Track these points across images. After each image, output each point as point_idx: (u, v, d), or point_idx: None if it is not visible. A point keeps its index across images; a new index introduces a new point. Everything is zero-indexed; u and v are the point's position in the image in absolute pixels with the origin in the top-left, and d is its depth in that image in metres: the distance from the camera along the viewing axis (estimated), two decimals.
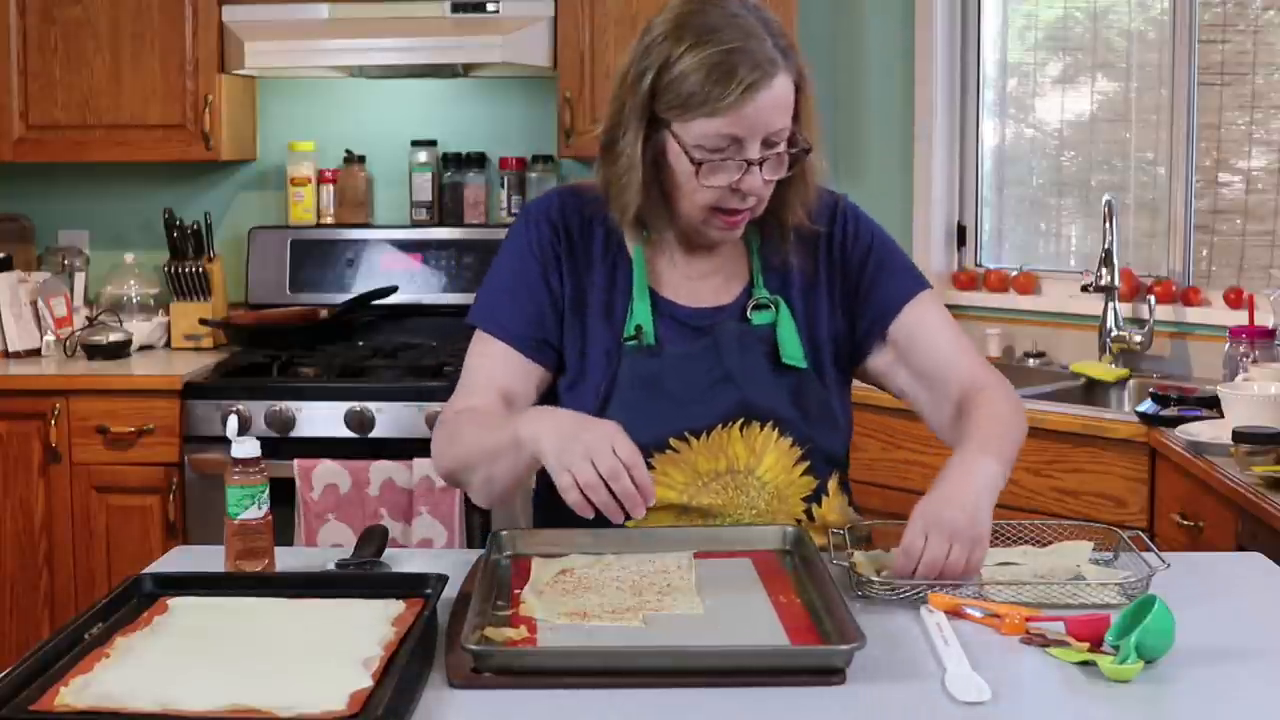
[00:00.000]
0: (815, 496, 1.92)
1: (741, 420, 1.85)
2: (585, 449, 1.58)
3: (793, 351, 1.87)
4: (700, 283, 1.91)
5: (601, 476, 1.57)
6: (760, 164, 1.75)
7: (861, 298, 1.92)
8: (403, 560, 1.90)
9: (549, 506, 1.86)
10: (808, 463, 1.89)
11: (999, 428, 1.80)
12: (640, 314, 1.86)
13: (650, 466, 1.81)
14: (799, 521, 1.90)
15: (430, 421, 3.43)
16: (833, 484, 1.94)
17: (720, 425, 1.85)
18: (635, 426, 1.78)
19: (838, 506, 1.96)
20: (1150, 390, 3.13)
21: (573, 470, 1.58)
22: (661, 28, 1.77)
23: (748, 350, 1.87)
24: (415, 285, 4.02)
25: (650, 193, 1.81)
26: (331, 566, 1.81)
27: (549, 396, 1.91)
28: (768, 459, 1.87)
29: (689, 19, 1.75)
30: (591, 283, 1.89)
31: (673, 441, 1.84)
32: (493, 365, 1.87)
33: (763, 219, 1.87)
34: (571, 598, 1.63)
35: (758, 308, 1.88)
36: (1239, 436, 2.51)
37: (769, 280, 1.90)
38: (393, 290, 3.97)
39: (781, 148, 1.77)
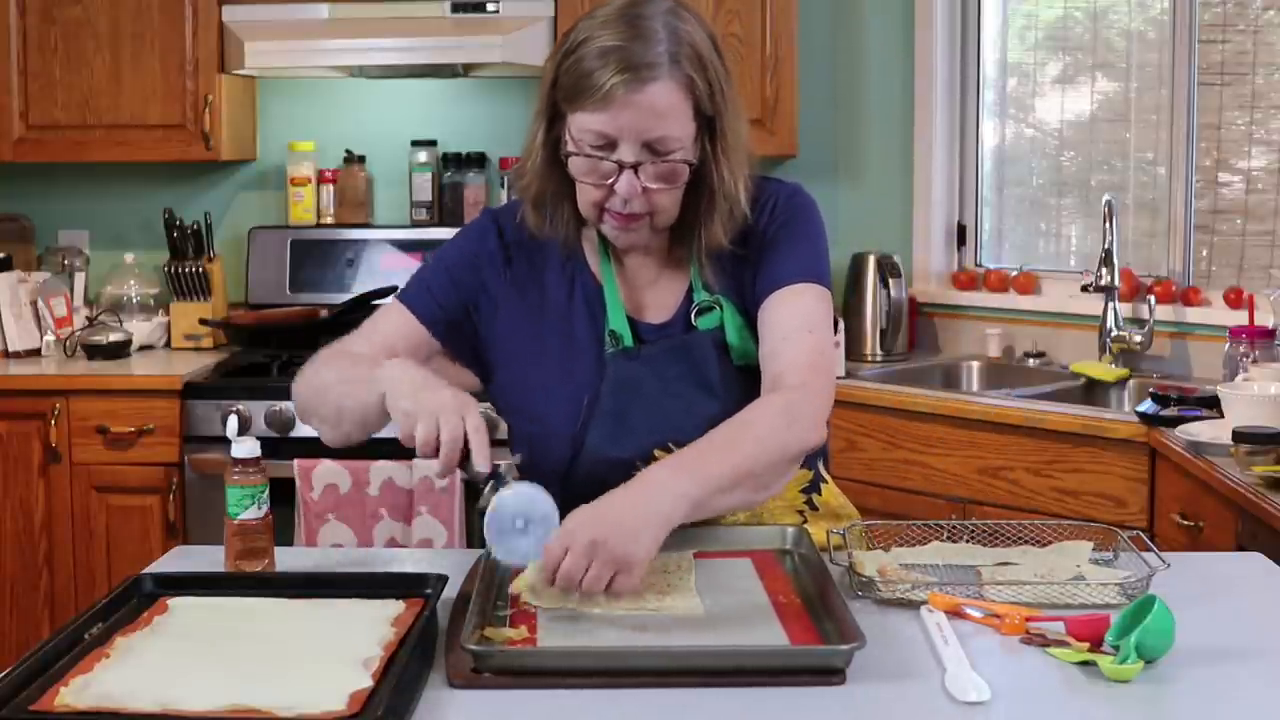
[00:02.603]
0: (814, 485, 1.92)
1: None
2: (437, 404, 1.59)
3: (742, 351, 1.83)
4: (641, 294, 1.87)
5: (446, 433, 1.58)
6: (634, 168, 1.71)
7: (755, 276, 1.84)
8: (403, 560, 1.89)
9: None
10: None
11: (731, 441, 1.66)
12: (614, 319, 1.83)
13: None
14: (801, 513, 1.90)
15: None
16: (823, 469, 1.94)
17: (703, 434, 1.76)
18: (616, 437, 1.79)
19: (837, 491, 1.96)
20: (1150, 390, 3.13)
21: (417, 417, 1.60)
22: (581, 21, 1.76)
23: (711, 358, 1.81)
24: None
25: (551, 181, 1.81)
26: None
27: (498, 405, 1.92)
28: None
29: (600, 12, 1.74)
30: (554, 291, 1.87)
31: (656, 453, 1.78)
32: (392, 326, 1.90)
33: (687, 232, 1.81)
34: (571, 598, 1.62)
35: (700, 313, 1.84)
36: (1239, 436, 2.51)
37: (711, 276, 1.84)
38: (393, 290, 3.95)
39: (674, 157, 1.72)
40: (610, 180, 1.73)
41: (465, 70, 4.02)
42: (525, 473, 1.66)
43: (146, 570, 1.69)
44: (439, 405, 1.60)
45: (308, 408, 1.87)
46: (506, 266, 1.89)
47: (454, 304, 1.88)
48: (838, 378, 3.21)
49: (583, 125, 1.71)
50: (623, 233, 1.79)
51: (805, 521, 1.90)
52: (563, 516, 1.57)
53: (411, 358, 1.81)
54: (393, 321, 1.90)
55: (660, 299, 1.87)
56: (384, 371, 1.70)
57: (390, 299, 1.94)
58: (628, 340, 1.83)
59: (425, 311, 1.89)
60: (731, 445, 1.64)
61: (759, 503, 1.77)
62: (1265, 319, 3.18)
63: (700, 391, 1.81)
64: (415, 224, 4.12)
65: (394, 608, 1.55)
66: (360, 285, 4.01)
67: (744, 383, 1.81)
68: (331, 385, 1.80)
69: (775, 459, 1.67)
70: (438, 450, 1.59)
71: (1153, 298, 3.53)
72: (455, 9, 3.77)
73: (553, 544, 1.53)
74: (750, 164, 1.81)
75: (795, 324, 1.77)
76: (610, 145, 1.71)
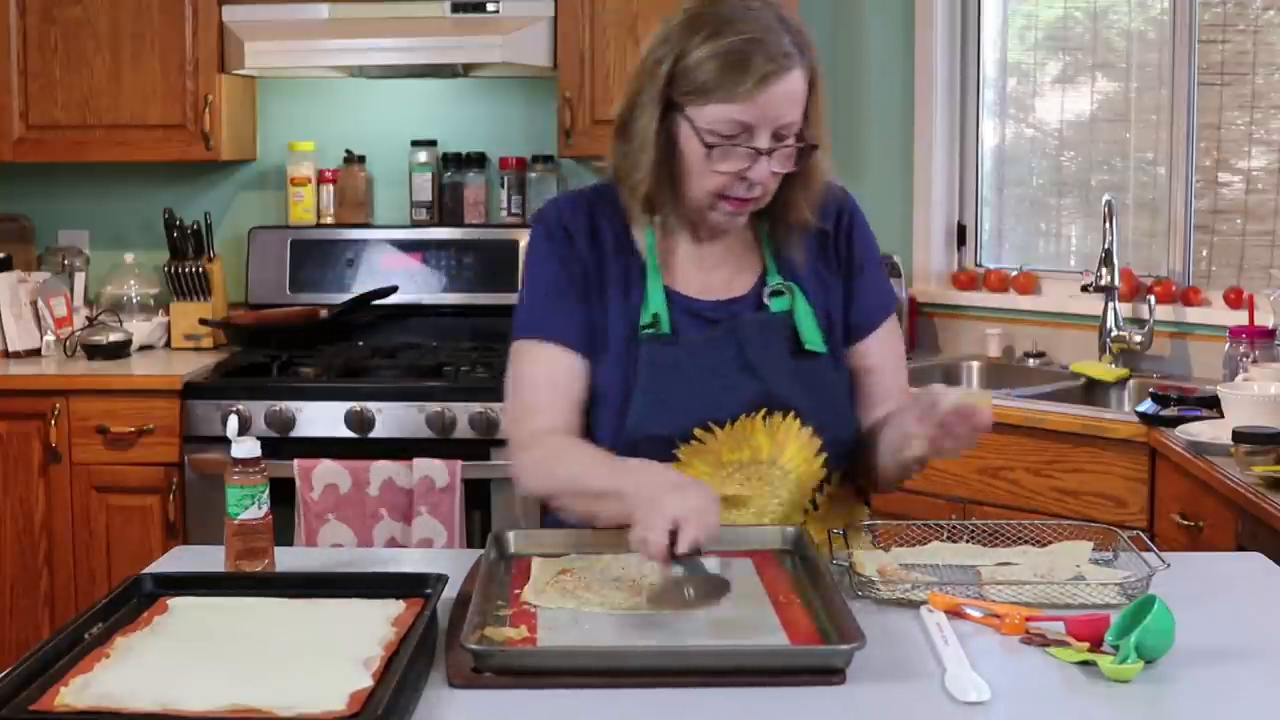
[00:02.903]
0: (819, 487, 1.93)
1: (764, 410, 1.87)
2: (670, 519, 1.60)
3: (812, 337, 1.91)
4: (711, 274, 1.94)
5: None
6: (768, 154, 1.79)
7: (847, 299, 1.97)
8: (403, 560, 1.89)
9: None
10: (825, 454, 1.90)
11: None
12: (655, 303, 1.89)
13: (675, 458, 1.85)
14: (805, 512, 1.91)
15: (430, 421, 3.43)
16: (836, 475, 1.95)
17: (744, 415, 1.86)
18: (658, 416, 1.83)
19: (839, 496, 1.97)
20: (1150, 390, 3.13)
21: (649, 535, 1.59)
22: (681, 18, 1.82)
23: (769, 339, 1.89)
24: (415, 285, 4.02)
25: (660, 174, 1.84)
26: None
27: None
28: (790, 449, 1.88)
29: (707, 10, 1.80)
30: (606, 280, 1.92)
31: (697, 432, 1.86)
32: (552, 374, 1.89)
33: (770, 213, 1.90)
34: (572, 598, 1.63)
35: (774, 294, 1.92)
36: (1239, 436, 2.51)
37: (781, 268, 1.94)
38: (393, 290, 3.97)
39: (790, 142, 1.81)
40: (740, 167, 1.79)
41: (465, 70, 4.02)
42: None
43: (146, 570, 1.69)
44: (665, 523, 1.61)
45: (551, 502, 1.90)
46: (582, 263, 1.92)
47: (583, 313, 1.91)
48: None
49: (717, 116, 1.78)
50: (732, 218, 1.87)
51: (806, 522, 1.91)
52: None
53: (584, 392, 1.89)
54: (555, 366, 1.90)
55: (731, 278, 1.94)
56: (627, 484, 1.71)
57: (518, 344, 1.93)
58: (665, 325, 1.88)
59: (573, 335, 1.90)
60: None
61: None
62: (1265, 319, 3.18)
63: (743, 374, 1.87)
64: (415, 224, 4.12)
65: (394, 608, 1.55)
66: (360, 285, 4.01)
67: (795, 366, 1.89)
68: (575, 496, 1.82)
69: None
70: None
71: (1153, 298, 3.53)
72: (455, 9, 3.77)
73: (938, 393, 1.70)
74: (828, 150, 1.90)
75: (899, 365, 2.02)
76: (746, 133, 1.78)
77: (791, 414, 1.87)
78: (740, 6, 1.79)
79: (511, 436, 1.92)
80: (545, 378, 1.90)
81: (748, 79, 1.75)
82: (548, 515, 1.99)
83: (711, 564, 1.52)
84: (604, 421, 1.89)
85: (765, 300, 1.91)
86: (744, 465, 1.88)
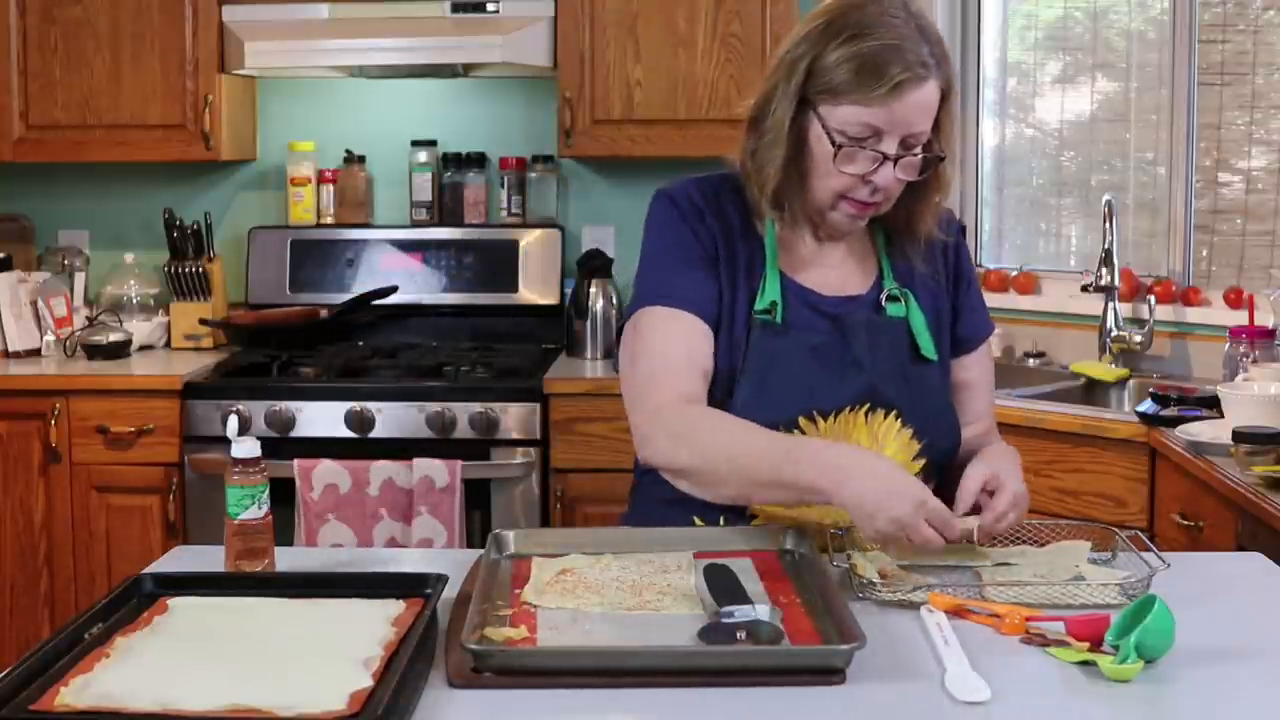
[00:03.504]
0: None
1: (867, 407, 1.87)
2: (896, 523, 1.66)
3: (927, 344, 1.94)
4: (830, 270, 1.95)
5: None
6: (895, 161, 1.80)
7: (955, 312, 2.01)
8: (403, 560, 1.89)
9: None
10: (924, 460, 1.90)
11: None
12: (772, 291, 1.90)
13: None
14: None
15: (430, 421, 3.44)
16: (932, 482, 1.94)
17: (847, 409, 1.86)
18: (763, 402, 1.84)
19: None
20: (1150, 390, 3.13)
21: (885, 538, 1.69)
22: (821, 18, 1.83)
23: (878, 340, 1.91)
24: (415, 285, 4.02)
25: (789, 170, 1.86)
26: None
27: None
28: (890, 448, 1.87)
29: (849, 13, 1.81)
30: (729, 262, 1.92)
31: (801, 421, 1.85)
32: (683, 342, 1.88)
33: (890, 222, 1.93)
34: (572, 597, 1.63)
35: (890, 299, 1.94)
36: (1239, 436, 2.50)
37: (896, 275, 1.96)
38: (393, 290, 3.97)
39: (918, 151, 1.82)
40: (866, 169, 1.81)
41: (465, 70, 4.02)
42: None
43: (146, 570, 1.69)
44: (896, 525, 1.68)
45: (681, 475, 1.85)
46: (714, 239, 1.93)
47: (712, 287, 1.91)
48: None
49: (848, 118, 1.79)
50: (855, 220, 1.88)
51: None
52: None
53: (711, 364, 1.88)
54: (685, 335, 1.88)
55: (848, 277, 1.96)
56: (823, 481, 1.71)
57: (643, 310, 1.91)
58: (780, 315, 1.89)
59: (703, 305, 1.89)
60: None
61: None
62: (1265, 319, 3.18)
63: (849, 369, 1.89)
64: (415, 224, 4.12)
65: (394, 608, 1.55)
66: (360, 285, 4.01)
67: (904, 369, 1.91)
68: (730, 474, 1.79)
69: None
70: None
71: (1153, 298, 3.53)
72: (455, 9, 3.78)
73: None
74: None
75: (990, 384, 2.08)
76: (875, 137, 1.79)
77: (894, 414, 1.87)
78: (882, 13, 1.80)
79: (639, 404, 1.87)
80: (678, 345, 1.88)
81: (883, 84, 1.76)
82: (630, 505, 2.00)
83: (763, 610, 1.52)
84: (712, 400, 1.88)
85: (882, 303, 1.93)
86: None
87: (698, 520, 1.90)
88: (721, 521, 1.88)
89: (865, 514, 1.67)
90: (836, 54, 1.79)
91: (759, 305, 1.89)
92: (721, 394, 1.89)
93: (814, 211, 1.90)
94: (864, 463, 1.71)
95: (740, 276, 1.92)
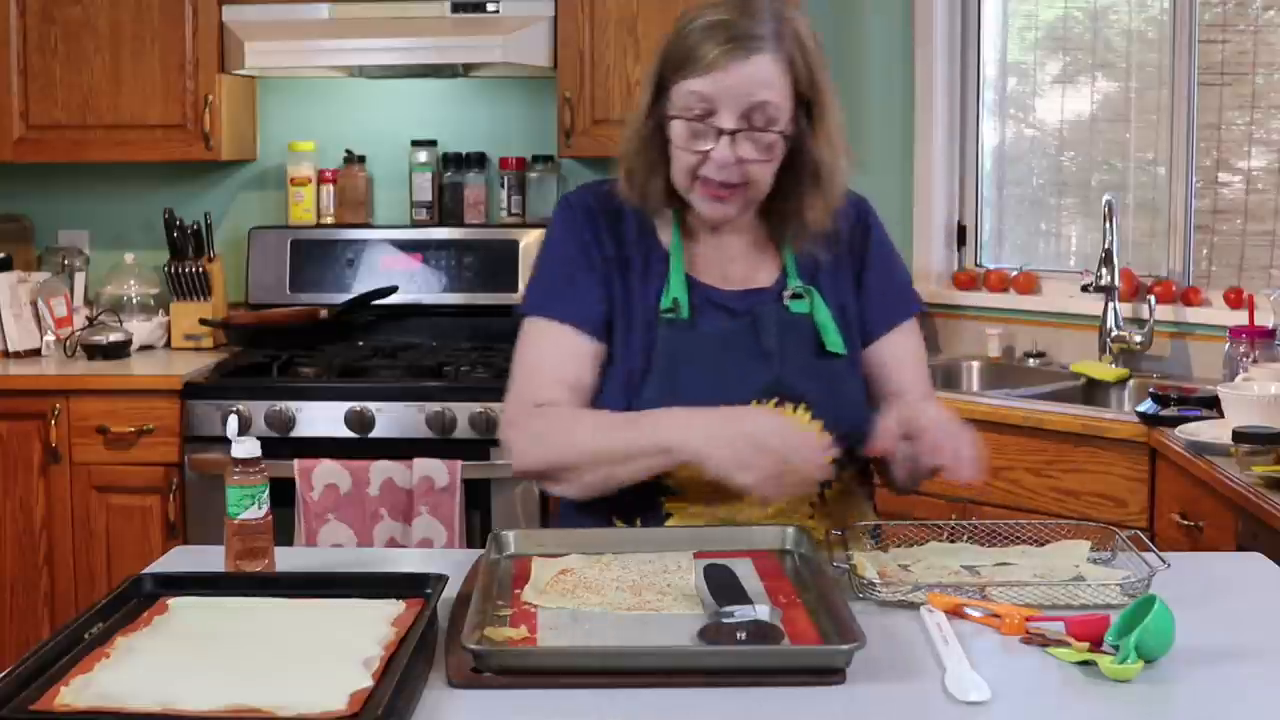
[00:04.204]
0: (826, 482, 1.92)
1: (775, 400, 1.87)
2: (751, 444, 1.67)
3: (833, 339, 1.92)
4: (730, 265, 1.95)
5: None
6: (732, 135, 1.80)
7: (861, 301, 1.98)
8: (403, 560, 1.89)
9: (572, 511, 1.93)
10: (835, 450, 1.88)
11: None
12: (675, 288, 1.90)
13: None
14: (811, 504, 1.90)
15: (430, 421, 3.43)
16: (845, 475, 1.96)
17: (754, 403, 1.86)
18: (667, 399, 1.84)
19: (847, 492, 1.96)
20: (1150, 390, 3.13)
21: (752, 469, 1.68)
22: (692, 6, 1.87)
23: (786, 334, 1.91)
24: (415, 285, 4.02)
25: (648, 153, 1.87)
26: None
27: None
28: None
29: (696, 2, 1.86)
30: (629, 265, 1.94)
31: None
32: (556, 354, 1.91)
33: (782, 214, 1.92)
34: (572, 597, 1.63)
35: (794, 297, 1.93)
36: (1239, 436, 2.50)
37: (800, 270, 1.95)
38: (393, 290, 3.97)
39: (772, 129, 1.81)
40: (707, 147, 1.81)
41: (465, 70, 4.02)
42: None
43: (146, 570, 1.69)
44: (753, 447, 1.69)
45: (545, 479, 1.90)
46: (602, 247, 1.94)
47: (599, 299, 1.92)
48: None
49: (686, 90, 1.81)
50: (715, 204, 1.87)
51: (813, 516, 1.91)
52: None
53: (589, 375, 1.90)
54: (555, 346, 1.91)
55: (751, 273, 1.96)
56: (674, 437, 1.74)
57: (525, 322, 1.94)
58: (684, 312, 1.90)
59: (583, 318, 1.91)
60: None
61: None
62: (1265, 319, 3.18)
63: (755, 361, 1.89)
64: (415, 224, 4.12)
65: (394, 608, 1.55)
66: (360, 285, 4.01)
67: (813, 363, 1.91)
68: (587, 458, 1.83)
69: None
70: None
71: (1153, 298, 3.53)
72: (455, 9, 3.78)
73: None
74: (850, 156, 1.93)
75: (915, 368, 2.02)
76: (710, 112, 1.80)
77: (803, 406, 1.87)
78: None
79: (506, 413, 1.93)
80: (547, 357, 1.91)
81: (709, 52, 1.78)
82: (552, 514, 2.00)
83: (763, 610, 1.52)
84: (611, 405, 1.89)
85: (785, 300, 1.93)
86: None
87: (618, 521, 1.91)
88: (638, 523, 1.89)
89: (718, 447, 1.69)
90: (678, 36, 1.83)
91: (663, 304, 1.90)
92: (624, 395, 1.88)
93: (684, 198, 1.90)
94: (708, 410, 1.76)
95: (637, 279, 1.93)
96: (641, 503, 1.88)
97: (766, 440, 1.69)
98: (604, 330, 1.92)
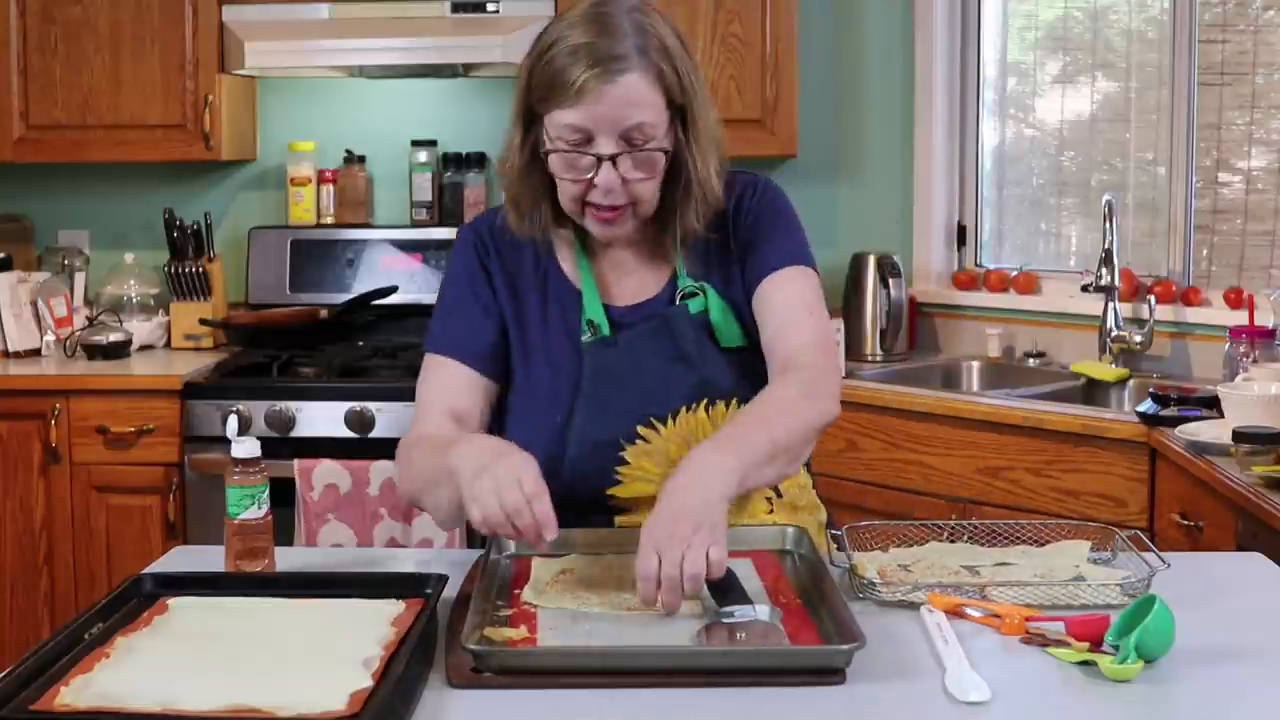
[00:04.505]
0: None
1: (705, 401, 1.85)
2: (493, 483, 1.59)
3: (729, 334, 1.89)
4: (625, 280, 1.93)
5: (506, 510, 1.57)
6: (613, 160, 1.77)
7: (743, 269, 1.92)
8: (403, 560, 1.89)
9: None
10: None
11: (762, 416, 1.74)
12: (590, 309, 1.89)
13: (622, 460, 1.83)
14: (769, 500, 1.89)
15: None
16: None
17: (685, 408, 1.84)
18: (600, 420, 1.83)
19: (803, 484, 1.95)
20: (1150, 390, 3.13)
21: (479, 503, 1.59)
22: (549, 25, 1.82)
23: (699, 333, 1.88)
24: (415, 285, 4.02)
25: (530, 182, 1.85)
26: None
27: (499, 408, 1.93)
28: None
29: (567, 14, 1.81)
30: (527, 294, 1.93)
31: (641, 430, 1.83)
32: (441, 385, 1.91)
33: (665, 222, 1.88)
34: (572, 597, 1.63)
35: (687, 296, 1.90)
36: (1239, 436, 2.51)
37: (691, 263, 1.91)
38: (393, 290, 3.97)
39: (650, 146, 1.78)
40: (590, 175, 1.78)
41: (465, 70, 4.02)
42: None
43: (146, 570, 1.69)
44: (494, 484, 1.59)
45: (418, 506, 1.91)
46: (491, 279, 1.94)
47: (488, 333, 1.91)
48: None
49: (559, 122, 1.77)
50: (606, 226, 1.84)
51: (772, 510, 1.89)
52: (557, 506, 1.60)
53: (477, 407, 1.89)
54: (444, 380, 1.91)
55: (644, 285, 1.93)
56: (452, 461, 1.68)
57: (426, 356, 1.94)
58: (605, 330, 1.88)
59: (471, 355, 1.90)
60: (763, 422, 1.72)
61: (791, 474, 1.82)
62: (1265, 319, 3.18)
63: (677, 365, 1.87)
64: (415, 224, 4.12)
65: (394, 608, 1.55)
66: (360, 285, 4.01)
67: (727, 359, 1.88)
68: (423, 490, 1.83)
69: (803, 432, 1.75)
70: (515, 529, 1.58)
71: (1153, 298, 3.52)
72: (455, 9, 3.78)
73: (644, 559, 1.53)
74: (720, 152, 1.87)
75: (796, 307, 1.86)
76: (587, 140, 1.77)
77: (734, 402, 1.85)
78: (592, 12, 1.77)
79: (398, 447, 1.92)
80: (432, 391, 1.91)
81: (575, 78, 1.73)
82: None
83: (763, 610, 1.52)
84: (543, 434, 1.86)
85: (677, 302, 1.89)
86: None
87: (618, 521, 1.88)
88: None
89: (473, 471, 1.61)
90: (540, 63, 1.77)
91: (583, 326, 1.88)
92: (558, 424, 1.86)
93: (566, 225, 1.88)
94: (482, 440, 1.72)
95: (538, 307, 1.91)
96: (590, 524, 1.85)
97: (499, 479, 1.59)
98: (493, 361, 1.90)
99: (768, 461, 1.69)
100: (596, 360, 1.87)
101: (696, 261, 1.92)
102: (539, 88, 1.78)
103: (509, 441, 1.71)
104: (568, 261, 1.93)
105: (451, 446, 1.71)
